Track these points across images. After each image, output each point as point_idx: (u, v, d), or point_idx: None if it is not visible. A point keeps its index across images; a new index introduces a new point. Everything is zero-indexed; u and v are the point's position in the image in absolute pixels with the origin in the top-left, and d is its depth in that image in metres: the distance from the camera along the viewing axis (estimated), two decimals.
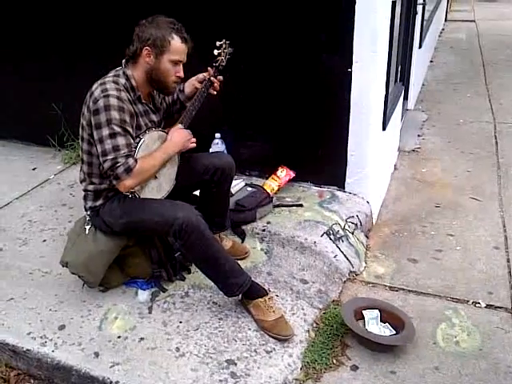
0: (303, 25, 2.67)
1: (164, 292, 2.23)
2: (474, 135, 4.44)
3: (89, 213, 2.16)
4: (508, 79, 5.95)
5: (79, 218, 2.28)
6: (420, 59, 5.27)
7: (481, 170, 3.75)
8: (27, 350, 1.95)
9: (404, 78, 4.18)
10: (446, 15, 10.22)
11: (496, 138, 4.34)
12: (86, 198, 2.14)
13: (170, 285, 2.28)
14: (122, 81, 2.00)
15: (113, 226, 2.08)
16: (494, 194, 3.36)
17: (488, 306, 2.31)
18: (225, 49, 2.32)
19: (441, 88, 5.80)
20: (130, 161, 1.91)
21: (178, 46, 2.00)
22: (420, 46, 5.04)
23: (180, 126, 2.16)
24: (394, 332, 2.14)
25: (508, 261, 2.63)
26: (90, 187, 2.10)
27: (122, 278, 2.26)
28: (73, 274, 2.13)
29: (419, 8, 4.49)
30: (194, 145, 2.17)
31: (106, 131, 1.89)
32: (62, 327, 2.04)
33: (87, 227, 2.15)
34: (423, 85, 5.91)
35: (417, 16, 4.39)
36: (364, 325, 2.17)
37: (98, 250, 2.09)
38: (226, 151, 2.88)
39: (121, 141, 1.91)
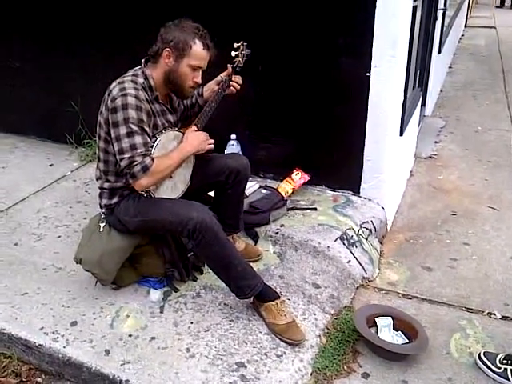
0: (322, 28, 2.65)
1: (176, 292, 2.23)
2: (492, 143, 4.38)
3: (104, 210, 2.17)
4: None
5: (94, 216, 2.29)
6: (439, 65, 5.22)
7: (498, 178, 3.69)
8: (39, 344, 1.96)
9: (422, 84, 4.13)
10: (466, 21, 10.13)
11: None
12: (102, 195, 2.15)
13: (182, 285, 2.28)
14: (141, 80, 2.00)
15: (127, 224, 2.09)
16: (511, 204, 3.31)
17: (503, 318, 2.27)
18: (242, 50, 2.33)
19: (459, 95, 5.74)
20: (147, 160, 1.91)
21: (199, 51, 2.00)
22: (439, 52, 5.00)
23: (195, 127, 2.16)
24: (407, 340, 2.11)
25: None
26: (106, 185, 2.11)
27: (134, 276, 2.27)
28: (86, 270, 2.14)
29: (439, 13, 4.45)
30: (212, 146, 2.17)
31: (123, 130, 1.90)
32: (73, 323, 2.05)
33: (102, 225, 2.16)
34: (441, 91, 5.86)
35: (437, 21, 4.35)
36: (376, 332, 2.14)
37: (111, 248, 2.10)
38: (241, 153, 2.87)
39: (138, 140, 1.91)
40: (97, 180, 2.17)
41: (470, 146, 4.31)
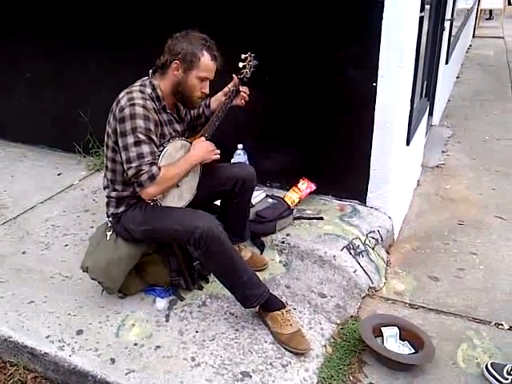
0: (329, 38, 2.67)
1: (182, 301, 2.23)
2: (499, 153, 4.36)
3: (111, 219, 2.18)
4: None
5: (101, 224, 2.31)
6: (446, 75, 5.22)
7: (506, 188, 3.67)
8: (45, 353, 1.97)
9: (429, 94, 4.14)
10: (474, 31, 10.13)
11: None
12: (109, 204, 2.17)
13: (188, 294, 2.28)
14: (148, 90, 2.03)
15: (134, 232, 2.10)
16: None
17: (511, 328, 2.25)
18: (250, 61, 2.35)
19: (467, 104, 5.73)
20: (154, 169, 1.93)
21: (207, 63, 2.02)
22: (447, 62, 5.00)
23: (203, 138, 2.18)
24: (413, 351, 2.10)
25: None
26: (113, 194, 2.13)
27: (140, 285, 2.27)
28: (93, 279, 2.15)
29: (447, 24, 4.46)
30: (218, 156, 2.19)
31: (131, 139, 1.92)
32: (79, 332, 2.06)
33: (108, 233, 2.17)
34: (449, 101, 5.85)
35: (444, 32, 4.36)
36: (382, 342, 2.13)
37: (118, 257, 2.11)
38: (247, 162, 2.88)
39: (145, 149, 1.93)
40: (104, 189, 2.19)
41: (477, 155, 4.29)
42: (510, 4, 13.73)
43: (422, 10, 2.84)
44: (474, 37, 9.99)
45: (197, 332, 2.06)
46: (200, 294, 2.28)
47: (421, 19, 2.81)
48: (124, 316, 2.14)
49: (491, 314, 2.34)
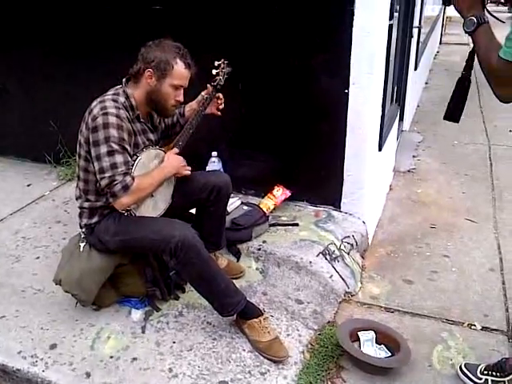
0: (301, 46, 2.70)
1: (158, 311, 2.21)
2: (468, 157, 4.47)
3: (84, 230, 2.14)
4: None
5: (74, 236, 2.27)
6: (415, 81, 5.33)
7: (476, 191, 3.77)
8: (17, 369, 1.92)
9: (400, 100, 4.22)
10: (441, 38, 10.39)
11: (490, 160, 4.38)
12: (82, 215, 2.13)
13: (164, 304, 2.25)
14: (122, 99, 2.01)
15: (108, 243, 2.07)
16: (488, 216, 3.37)
17: (484, 329, 2.30)
18: (223, 68, 2.35)
19: (436, 109, 5.85)
20: (128, 178, 1.91)
21: (180, 71, 2.02)
22: (415, 68, 5.11)
23: (176, 149, 2.17)
24: (390, 354, 2.12)
25: (503, 283, 2.62)
26: (86, 204, 2.09)
27: (115, 296, 2.24)
28: (66, 292, 2.10)
29: (415, 31, 4.56)
30: (188, 172, 2.19)
31: (104, 149, 1.90)
32: (53, 346, 2.01)
33: (82, 245, 2.13)
34: (418, 106, 5.98)
35: (412, 39, 4.46)
36: (359, 346, 2.15)
37: (92, 268, 2.08)
38: (222, 170, 2.88)
39: (119, 158, 1.91)
40: (76, 199, 2.15)
41: (447, 159, 4.39)
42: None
43: (391, 18, 2.90)
44: (441, 43, 10.24)
45: (174, 343, 2.04)
46: (176, 304, 2.26)
47: (390, 27, 2.87)
48: (99, 328, 2.10)
49: (464, 314, 2.39)
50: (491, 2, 1.53)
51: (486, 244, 3.02)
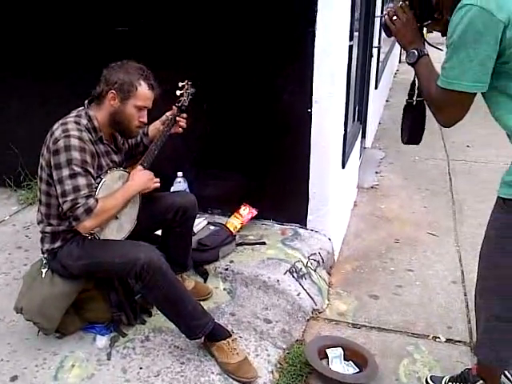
0: (265, 65, 2.74)
1: (124, 337, 2.15)
2: (429, 172, 4.61)
3: (46, 255, 2.09)
4: None
5: (35, 262, 2.20)
6: (376, 99, 5.48)
7: (436, 205, 3.87)
8: None
9: (361, 118, 4.33)
10: (400, 57, 10.71)
11: (450, 175, 4.53)
12: (44, 240, 2.08)
13: (130, 329, 2.20)
14: (84, 121, 1.98)
15: (71, 268, 2.02)
16: (449, 230, 3.47)
17: (448, 341, 2.35)
18: (187, 89, 2.36)
19: (397, 127, 5.88)
20: (91, 201, 1.88)
21: (144, 92, 2.02)
22: (376, 87, 5.25)
23: (141, 166, 2.15)
24: (358, 370, 2.14)
25: (465, 294, 2.69)
26: (48, 229, 2.05)
27: (79, 323, 2.18)
28: (27, 320, 2.04)
29: (375, 51, 4.71)
30: (158, 185, 2.17)
31: (66, 172, 1.86)
32: (14, 378, 1.93)
33: (44, 270, 2.07)
34: (380, 123, 6.13)
35: (372, 58, 4.59)
36: (328, 364, 2.16)
37: (54, 295, 2.02)
38: (188, 190, 2.87)
39: (81, 181, 1.88)
40: (38, 224, 2.10)
41: (408, 175, 4.51)
42: (430, 32, 14.62)
43: (351, 38, 2.99)
44: (400, 62, 10.56)
45: (141, 368, 1.99)
46: (143, 329, 2.21)
47: (350, 47, 2.95)
48: (63, 357, 2.04)
49: (429, 327, 2.44)
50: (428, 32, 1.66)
51: (448, 257, 3.10)
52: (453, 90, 1.37)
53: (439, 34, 1.54)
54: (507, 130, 1.43)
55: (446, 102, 1.42)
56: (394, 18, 1.58)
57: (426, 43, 1.58)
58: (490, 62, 1.31)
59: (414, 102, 1.72)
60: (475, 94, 1.38)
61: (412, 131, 1.76)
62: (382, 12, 4.98)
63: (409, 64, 1.57)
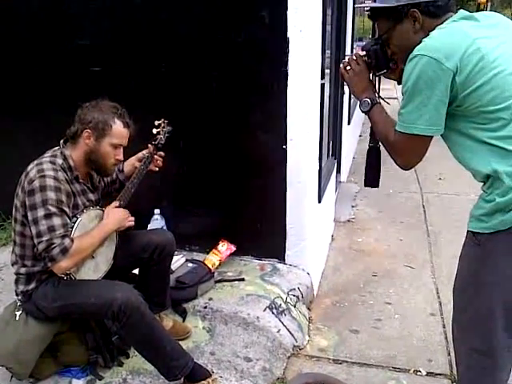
0: (240, 105, 2.80)
1: (100, 380, 2.09)
2: (403, 205, 4.69)
3: (20, 297, 2.04)
4: (430, 152, 6.40)
5: (9, 304, 2.14)
6: (350, 134, 5.61)
7: (412, 238, 3.93)
8: None
9: (336, 153, 4.41)
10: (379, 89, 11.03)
11: (424, 207, 4.61)
12: (18, 281, 2.03)
13: (107, 371, 2.14)
14: (59, 161, 1.98)
15: (46, 310, 1.97)
16: (426, 262, 3.52)
17: (428, 374, 2.35)
18: (164, 128, 2.38)
19: None
20: (66, 241, 1.86)
21: (119, 130, 2.04)
22: (349, 123, 5.39)
23: (117, 203, 2.15)
24: None
25: (444, 326, 2.71)
26: (22, 270, 2.00)
27: (54, 367, 2.11)
28: (0, 365, 1.97)
29: (346, 88, 4.84)
30: (132, 223, 2.16)
31: (41, 212, 1.85)
32: None
33: (18, 313, 2.02)
34: (354, 158, 6.24)
35: (345, 95, 4.73)
36: None
37: (28, 338, 1.96)
38: (165, 227, 2.86)
39: (56, 221, 1.86)
40: (12, 265, 2.05)
41: (383, 208, 4.58)
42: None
43: (323, 77, 3.08)
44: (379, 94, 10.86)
45: None
46: (120, 371, 2.15)
47: (322, 86, 3.04)
48: None
49: (409, 361, 2.44)
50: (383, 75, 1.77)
51: (425, 289, 3.14)
52: (411, 133, 1.44)
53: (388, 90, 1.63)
54: (469, 170, 1.49)
55: (404, 145, 1.49)
56: (348, 67, 1.67)
57: (377, 95, 1.68)
58: (442, 107, 1.39)
59: (369, 147, 1.79)
60: (431, 137, 1.46)
61: (372, 175, 1.83)
62: (351, 51, 5.16)
63: (363, 112, 1.66)
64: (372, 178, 1.85)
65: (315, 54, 2.83)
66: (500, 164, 1.36)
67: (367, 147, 1.84)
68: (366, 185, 1.87)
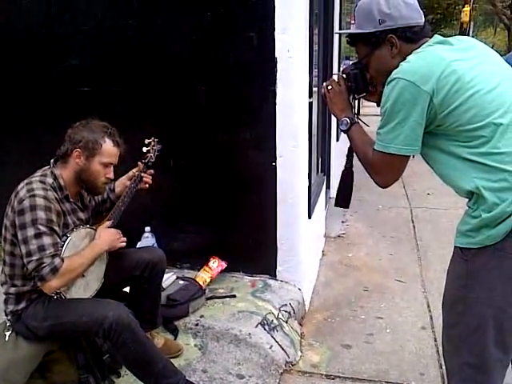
0: (229, 123, 2.83)
1: None
2: (392, 220, 4.73)
3: (9, 317, 2.02)
4: (418, 167, 6.48)
5: None
6: (338, 151, 5.65)
7: (402, 252, 3.96)
8: None
9: (325, 169, 4.45)
10: (359, 110, 11.18)
11: (413, 222, 4.66)
12: (7, 301, 2.02)
13: None
14: (50, 180, 1.99)
15: (36, 330, 1.96)
16: (416, 276, 3.54)
17: None
18: (153, 146, 2.40)
19: (360, 177, 6.16)
20: (56, 260, 1.85)
21: (109, 149, 2.05)
22: (337, 139, 5.44)
23: (109, 223, 2.15)
24: None
25: (435, 340, 2.72)
26: (12, 290, 1.99)
27: None
28: None
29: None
30: (124, 244, 2.16)
31: (31, 231, 1.84)
32: None
33: (7, 333, 2.00)
34: None
35: None
36: None
37: (18, 358, 1.94)
38: (156, 244, 2.86)
39: (46, 240, 1.86)
40: (2, 285, 2.04)
41: (373, 223, 4.62)
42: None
43: (311, 95, 3.13)
44: (359, 115, 11.01)
45: None
46: None
47: (310, 104, 3.09)
48: None
49: (401, 375, 2.44)
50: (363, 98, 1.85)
51: (416, 303, 3.15)
52: (388, 152, 1.48)
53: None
54: (452, 186, 1.52)
55: (382, 164, 1.54)
56: (329, 87, 1.73)
57: (356, 116, 1.74)
58: (419, 128, 1.44)
59: (345, 168, 1.83)
60: (408, 156, 1.50)
61: (343, 196, 1.86)
62: (339, 69, 5.25)
63: (342, 131, 1.72)
64: (344, 198, 1.89)
65: (303, 73, 2.88)
66: (482, 180, 1.39)
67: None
68: (336, 205, 1.92)
